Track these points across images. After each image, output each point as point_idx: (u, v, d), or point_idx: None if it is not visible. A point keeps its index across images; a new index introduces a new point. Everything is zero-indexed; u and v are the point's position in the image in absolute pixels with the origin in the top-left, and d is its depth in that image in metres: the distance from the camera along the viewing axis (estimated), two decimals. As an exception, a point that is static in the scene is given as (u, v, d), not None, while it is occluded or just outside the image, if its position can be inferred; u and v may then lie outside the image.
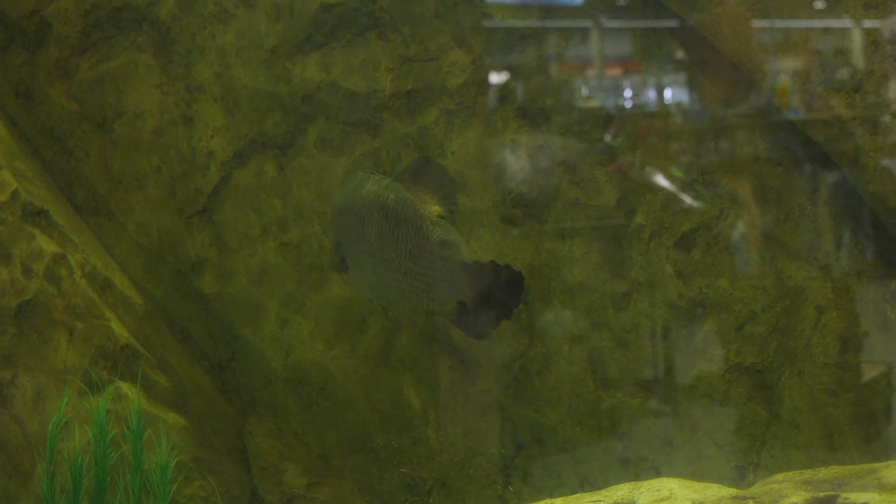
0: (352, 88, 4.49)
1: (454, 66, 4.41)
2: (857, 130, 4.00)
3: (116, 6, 4.75)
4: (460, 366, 4.49)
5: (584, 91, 4.45)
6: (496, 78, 4.44)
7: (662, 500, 3.44)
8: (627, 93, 4.45)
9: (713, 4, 4.13)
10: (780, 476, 3.54)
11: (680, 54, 4.31)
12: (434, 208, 3.87)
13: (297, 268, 4.63)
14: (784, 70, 4.12)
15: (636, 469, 4.32)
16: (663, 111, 4.38)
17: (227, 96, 4.64)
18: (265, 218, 4.65)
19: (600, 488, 3.91)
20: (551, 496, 4.29)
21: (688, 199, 4.30)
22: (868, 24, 3.99)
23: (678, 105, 4.37)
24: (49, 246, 4.67)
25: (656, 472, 4.26)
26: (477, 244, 4.41)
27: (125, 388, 4.57)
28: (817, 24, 4.05)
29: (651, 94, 4.41)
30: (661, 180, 4.32)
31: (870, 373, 4.13)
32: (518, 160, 4.41)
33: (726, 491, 3.50)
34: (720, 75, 4.24)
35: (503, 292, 3.81)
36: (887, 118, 3.96)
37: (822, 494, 3.32)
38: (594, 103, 4.43)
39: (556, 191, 4.37)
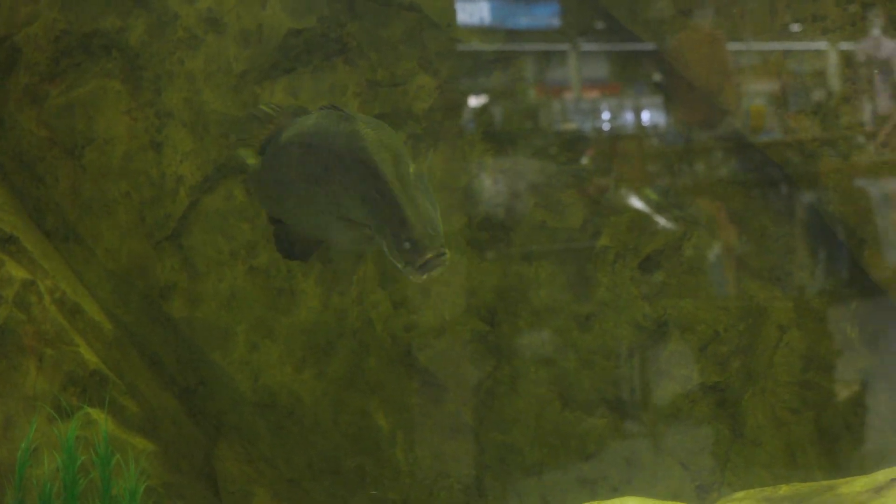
0: (319, 113, 4.52)
1: (420, 90, 4.45)
2: (818, 153, 4.04)
3: (86, 33, 4.78)
4: (428, 388, 4.51)
5: (553, 114, 4.49)
6: (463, 102, 4.48)
7: (623, 518, 3.46)
8: (603, 115, 4.49)
9: (676, 29, 4.18)
10: (740, 494, 3.56)
11: (658, 77, 4.35)
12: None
13: (266, 292, 4.65)
14: (748, 93, 4.17)
15: (601, 489, 4.34)
16: (638, 133, 4.42)
17: (197, 121, 4.66)
18: (234, 242, 4.67)
19: (563, 508, 3.94)
20: (515, 517, 4.32)
21: (662, 221, 4.33)
22: (831, 46, 4.05)
23: (653, 127, 4.41)
24: (18, 272, 4.68)
25: (620, 493, 4.28)
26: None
27: (94, 413, 4.57)
28: (781, 46, 4.11)
29: (625, 117, 4.45)
30: (635, 202, 4.35)
31: (831, 390, 4.16)
32: (484, 184, 4.44)
33: (687, 509, 3.52)
34: (694, 98, 4.28)
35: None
36: (847, 141, 4.01)
37: (782, 511, 3.35)
38: (564, 126, 4.47)
39: (522, 214, 4.41)
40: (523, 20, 4.51)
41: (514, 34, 4.44)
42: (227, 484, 4.74)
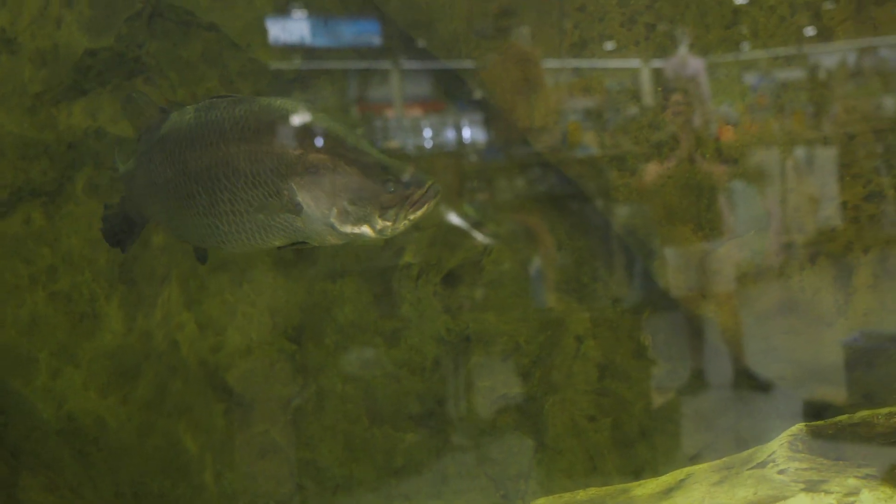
0: (120, 134, 4.47)
1: (222, 110, 4.43)
2: (608, 168, 4.19)
3: None
4: (236, 408, 4.49)
5: (363, 132, 4.52)
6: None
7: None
8: (424, 133, 4.54)
9: (470, 50, 4.27)
10: (541, 501, 3.66)
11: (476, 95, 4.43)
12: None
13: (68, 316, 4.56)
14: (542, 111, 4.28)
15: (409, 503, 4.40)
16: (454, 151, 4.48)
17: (-9, 144, 4.55)
18: (33, 267, 4.57)
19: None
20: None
21: (470, 236, 4.41)
22: (616, 64, 4.19)
23: (469, 145, 4.48)
24: None
25: (424, 504, 4.36)
26: (249, 287, 4.43)
27: None
28: (573, 65, 4.23)
29: (446, 135, 4.51)
30: (449, 218, 4.42)
31: (626, 398, 4.32)
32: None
33: (490, 519, 3.59)
34: (504, 117, 4.37)
35: None
36: (635, 156, 4.16)
37: (578, 516, 3.46)
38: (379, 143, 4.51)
39: (326, 232, 4.43)
40: (330, 40, 4.54)
41: (314, 53, 4.47)
42: (31, 515, 4.62)
